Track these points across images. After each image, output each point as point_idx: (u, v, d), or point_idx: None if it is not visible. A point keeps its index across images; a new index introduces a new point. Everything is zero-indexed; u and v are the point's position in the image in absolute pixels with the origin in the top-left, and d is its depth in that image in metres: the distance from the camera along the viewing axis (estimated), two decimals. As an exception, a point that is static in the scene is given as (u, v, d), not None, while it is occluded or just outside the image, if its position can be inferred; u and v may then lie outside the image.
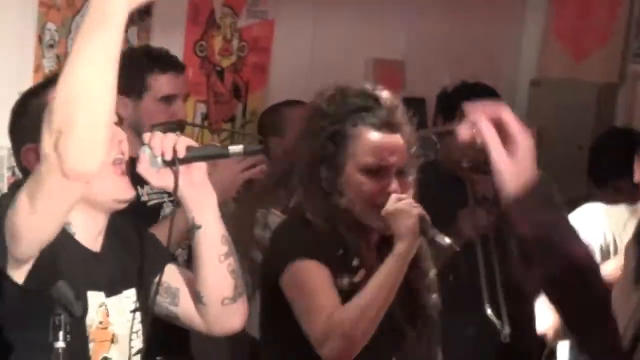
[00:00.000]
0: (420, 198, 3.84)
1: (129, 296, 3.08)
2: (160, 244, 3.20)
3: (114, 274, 3.05)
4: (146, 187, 3.93)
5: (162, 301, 3.16)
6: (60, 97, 2.47)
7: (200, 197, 2.99)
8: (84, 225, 2.98)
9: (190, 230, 3.01)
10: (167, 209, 4.41)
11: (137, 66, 4.28)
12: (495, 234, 5.03)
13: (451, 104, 5.34)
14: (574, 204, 5.09)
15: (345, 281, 3.44)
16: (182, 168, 2.90)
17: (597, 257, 4.00)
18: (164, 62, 4.33)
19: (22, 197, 2.67)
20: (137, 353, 3.09)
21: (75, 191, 2.64)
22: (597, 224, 4.22)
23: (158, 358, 4.10)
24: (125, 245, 3.11)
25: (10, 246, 2.75)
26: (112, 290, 3.02)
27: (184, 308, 3.16)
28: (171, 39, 4.81)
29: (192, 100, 4.98)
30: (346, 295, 3.41)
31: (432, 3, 6.19)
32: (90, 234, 3.00)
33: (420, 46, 6.17)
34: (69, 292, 2.74)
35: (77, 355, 2.82)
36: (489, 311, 4.57)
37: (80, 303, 2.84)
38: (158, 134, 2.95)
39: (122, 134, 2.98)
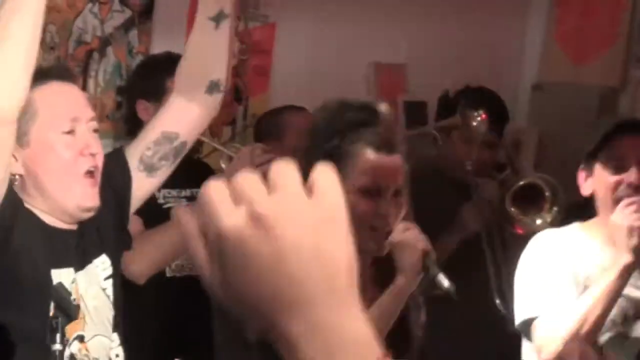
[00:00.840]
0: (423, 202, 3.98)
1: (99, 265, 3.17)
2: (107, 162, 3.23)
3: (83, 247, 3.15)
4: (163, 191, 4.00)
5: (163, 163, 3.33)
6: None
7: None
8: (54, 215, 3.08)
9: (217, 17, 3.25)
10: None
11: (157, 71, 4.42)
12: (499, 232, 5.22)
13: (453, 108, 5.33)
14: (577, 208, 4.87)
15: None
16: None
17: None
18: (164, 62, 4.37)
19: None
20: (111, 320, 3.19)
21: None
22: (560, 255, 3.98)
23: None
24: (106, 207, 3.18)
25: None
26: (81, 263, 3.11)
27: (184, 124, 3.36)
28: (172, 42, 4.78)
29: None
30: None
31: (434, 7, 6.15)
32: (56, 219, 3.10)
33: (422, 50, 6.12)
34: (67, 295, 2.95)
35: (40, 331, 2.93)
36: (497, 301, 4.60)
37: (77, 306, 3.03)
38: None
39: (98, 148, 3.10)
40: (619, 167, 3.77)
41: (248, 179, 1.32)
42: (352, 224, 3.25)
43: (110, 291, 3.21)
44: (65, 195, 3.05)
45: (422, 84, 6.07)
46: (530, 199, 5.07)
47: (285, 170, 1.32)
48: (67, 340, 3.04)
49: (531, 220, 5.03)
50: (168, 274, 4.30)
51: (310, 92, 5.10)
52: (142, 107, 4.27)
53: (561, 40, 6.72)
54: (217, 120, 5.03)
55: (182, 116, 3.35)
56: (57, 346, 2.86)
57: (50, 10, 4.53)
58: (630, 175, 3.73)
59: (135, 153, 3.33)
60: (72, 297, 3.07)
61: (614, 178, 3.76)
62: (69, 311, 3.02)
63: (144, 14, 5.03)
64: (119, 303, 3.24)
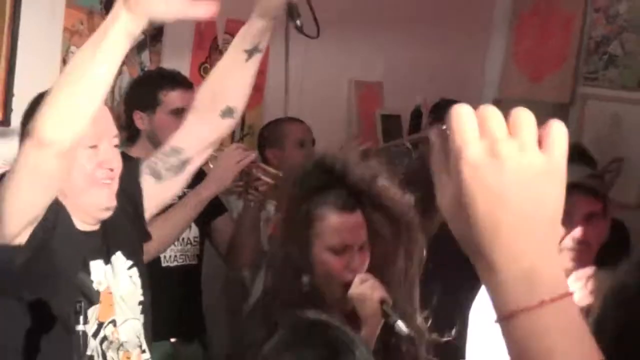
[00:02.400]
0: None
1: (119, 258, 3.23)
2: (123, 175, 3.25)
3: (105, 242, 3.21)
4: None
5: (170, 173, 3.38)
6: (52, 91, 2.74)
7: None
8: (79, 215, 3.11)
9: (251, 51, 3.28)
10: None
11: (151, 85, 4.65)
12: None
13: (422, 121, 5.72)
14: None
15: None
16: None
17: None
18: (174, 80, 4.60)
19: (5, 180, 2.86)
20: (140, 304, 3.26)
21: (49, 165, 2.76)
22: None
23: (172, 339, 4.58)
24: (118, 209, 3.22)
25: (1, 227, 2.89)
26: (107, 258, 3.18)
27: (196, 144, 3.40)
28: (180, 62, 5.00)
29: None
30: None
31: (406, 31, 6.27)
32: (84, 223, 3.14)
33: (396, 69, 6.27)
34: (89, 283, 3.03)
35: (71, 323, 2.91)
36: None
37: (97, 292, 3.09)
38: None
39: (117, 162, 3.14)
40: (567, 222, 4.06)
41: (494, 116, 1.41)
42: (326, 280, 3.34)
43: (136, 279, 3.27)
44: (85, 199, 3.11)
45: (397, 99, 6.30)
46: None
47: (525, 118, 1.38)
48: (100, 324, 3.12)
49: None
50: (163, 264, 4.44)
51: (300, 106, 5.42)
52: (137, 117, 4.46)
53: (518, 60, 6.94)
54: None
55: (192, 134, 3.37)
56: (80, 327, 2.86)
57: (74, 34, 4.78)
58: (576, 232, 3.81)
59: (149, 162, 3.38)
60: (94, 285, 3.12)
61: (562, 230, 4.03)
62: (91, 297, 3.04)
63: (155, 37, 5.11)
64: (146, 288, 3.29)
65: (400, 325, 3.21)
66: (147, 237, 3.41)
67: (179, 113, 4.29)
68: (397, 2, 6.26)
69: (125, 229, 3.27)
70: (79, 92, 2.71)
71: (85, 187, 3.07)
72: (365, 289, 3.30)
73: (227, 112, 3.33)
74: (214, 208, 4.81)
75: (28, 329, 2.98)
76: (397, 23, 6.22)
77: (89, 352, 3.06)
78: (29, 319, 2.98)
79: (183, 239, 4.81)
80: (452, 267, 4.98)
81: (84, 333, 2.92)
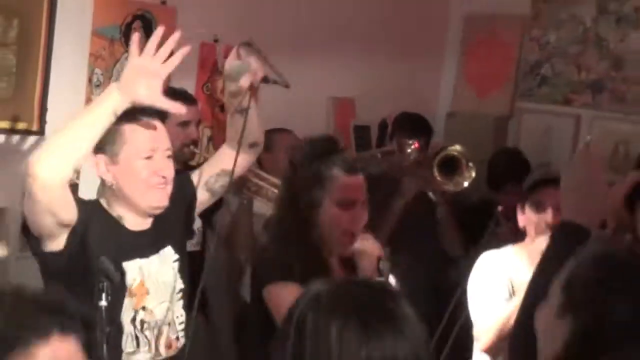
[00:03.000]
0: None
1: (167, 252, 3.25)
2: (177, 182, 3.29)
3: (155, 238, 3.23)
4: None
5: (216, 186, 3.48)
6: (50, 138, 2.95)
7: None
8: (132, 217, 3.16)
9: (241, 110, 3.28)
10: None
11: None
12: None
13: (395, 130, 5.62)
14: (479, 202, 5.56)
15: None
16: None
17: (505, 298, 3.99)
18: (181, 96, 4.33)
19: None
20: (179, 291, 3.28)
21: (41, 196, 2.81)
22: (498, 270, 4.05)
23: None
24: (168, 209, 3.24)
25: (32, 229, 2.95)
26: (150, 251, 3.19)
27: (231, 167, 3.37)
28: (186, 82, 4.88)
29: (200, 126, 5.00)
30: None
31: (375, 55, 6.21)
32: (136, 223, 3.18)
33: (366, 87, 6.20)
34: (110, 265, 2.89)
35: (114, 311, 3.00)
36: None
37: (118, 273, 2.97)
38: None
39: (169, 170, 3.18)
40: (540, 209, 3.95)
41: None
42: (335, 231, 3.33)
43: (177, 270, 3.27)
44: (142, 200, 3.13)
45: (367, 113, 6.21)
46: (453, 170, 5.14)
47: None
48: (136, 311, 3.13)
49: (455, 183, 5.16)
50: None
51: (287, 118, 5.31)
52: None
53: (467, 80, 6.90)
54: (219, 139, 5.08)
55: (227, 158, 3.38)
56: (103, 302, 2.83)
57: (97, 58, 4.73)
58: (547, 216, 3.90)
59: (202, 179, 3.43)
60: (128, 280, 3.11)
61: (536, 216, 3.97)
62: (113, 279, 2.91)
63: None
64: (185, 278, 3.30)
65: (392, 280, 3.30)
66: (192, 236, 3.58)
67: (185, 125, 4.42)
68: (367, 33, 6.19)
69: (175, 228, 3.32)
70: (64, 151, 2.80)
71: (142, 191, 3.11)
72: (367, 245, 3.36)
73: (253, 145, 3.44)
74: (215, 203, 4.49)
75: None
76: (367, 49, 6.18)
77: (123, 338, 3.09)
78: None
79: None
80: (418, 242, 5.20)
81: (105, 308, 2.86)
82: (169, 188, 3.17)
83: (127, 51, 4.68)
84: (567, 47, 6.48)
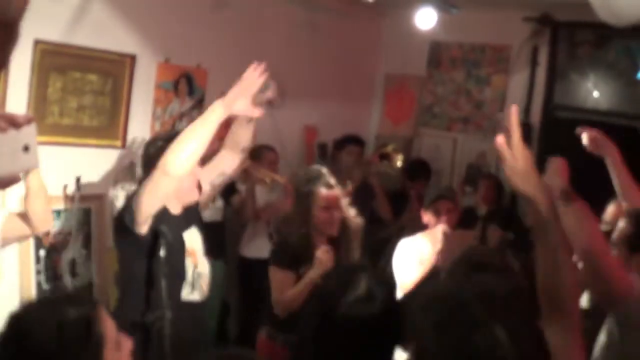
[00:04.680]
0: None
1: (193, 228, 3.14)
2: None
3: (187, 220, 3.11)
4: None
5: (215, 181, 3.28)
6: (180, 145, 2.67)
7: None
8: (173, 205, 3.03)
9: (247, 121, 3.12)
10: None
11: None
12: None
13: (337, 147, 5.70)
14: (401, 188, 5.52)
15: (302, 271, 3.35)
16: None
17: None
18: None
19: (143, 189, 2.77)
20: (204, 256, 3.17)
21: (168, 185, 2.73)
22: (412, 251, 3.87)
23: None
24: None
25: (136, 217, 2.80)
26: (187, 227, 3.10)
27: (228, 168, 3.27)
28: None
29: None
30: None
31: (330, 97, 6.10)
32: (175, 209, 3.05)
33: (323, 119, 6.10)
34: (165, 229, 2.91)
35: (178, 265, 2.96)
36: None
37: (178, 239, 2.97)
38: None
39: (205, 184, 3.10)
40: (437, 214, 3.91)
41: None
42: (319, 226, 3.38)
43: (200, 239, 3.15)
44: (186, 196, 3.04)
45: (325, 135, 6.10)
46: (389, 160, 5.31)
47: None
48: (195, 265, 3.04)
49: (391, 167, 5.31)
50: (204, 220, 3.86)
51: (274, 138, 5.19)
52: None
53: (387, 114, 6.77)
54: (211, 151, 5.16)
55: (229, 162, 3.26)
56: (162, 253, 2.88)
57: (158, 101, 4.62)
58: (442, 218, 3.86)
59: (207, 177, 3.22)
60: (186, 243, 3.02)
61: (434, 219, 3.91)
62: (167, 238, 2.92)
63: (199, 102, 4.84)
64: (204, 243, 3.16)
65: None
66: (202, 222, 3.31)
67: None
68: (324, 83, 6.06)
69: (195, 214, 3.19)
70: (190, 147, 2.66)
71: (188, 191, 3.03)
72: (324, 257, 3.22)
73: (243, 150, 3.27)
74: (231, 188, 4.71)
75: (151, 267, 2.93)
76: (324, 94, 6.07)
77: (184, 284, 3.00)
78: (150, 263, 2.93)
79: (216, 206, 4.73)
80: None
81: (164, 258, 2.89)
82: (199, 189, 3.11)
83: (176, 96, 4.74)
84: (448, 96, 6.45)
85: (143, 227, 2.86)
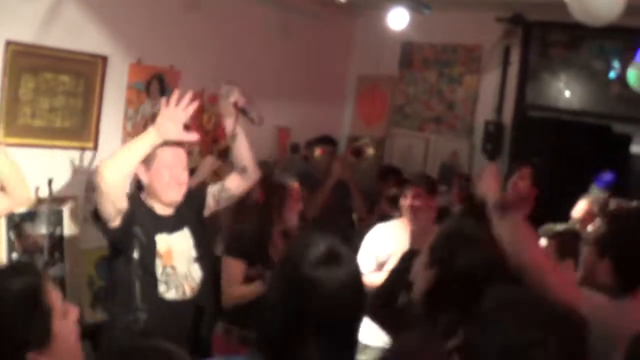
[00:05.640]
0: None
1: (185, 230, 3.14)
2: (194, 191, 3.25)
3: (177, 222, 3.12)
4: None
5: (221, 198, 3.33)
6: (116, 155, 2.83)
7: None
8: (159, 206, 3.08)
9: (233, 137, 3.25)
10: None
11: None
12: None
13: (309, 148, 5.70)
14: (374, 186, 5.52)
15: (256, 269, 3.44)
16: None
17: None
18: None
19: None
20: (194, 258, 3.14)
21: (103, 190, 2.79)
22: (385, 234, 4.05)
23: None
24: (185, 204, 3.16)
25: (100, 214, 2.88)
26: (174, 229, 3.09)
27: (232, 186, 3.33)
28: None
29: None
30: (256, 277, 3.42)
31: (303, 99, 6.13)
32: (163, 210, 3.10)
33: (296, 120, 6.14)
34: (139, 232, 2.93)
35: (149, 266, 2.97)
36: None
37: (151, 241, 2.97)
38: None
39: (185, 180, 3.09)
40: (405, 197, 4.04)
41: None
42: (289, 215, 3.58)
43: (192, 244, 3.14)
44: (164, 195, 3.06)
45: (297, 136, 6.14)
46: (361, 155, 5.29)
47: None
48: (164, 267, 3.01)
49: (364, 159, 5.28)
50: None
51: (248, 138, 5.35)
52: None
53: (360, 114, 6.83)
54: (205, 149, 4.99)
55: (234, 183, 3.32)
56: (135, 255, 2.90)
57: (130, 102, 4.62)
58: (407, 201, 4.02)
59: (214, 193, 3.31)
60: (158, 247, 3.00)
61: (403, 201, 4.07)
62: (142, 241, 2.94)
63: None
64: (198, 248, 3.15)
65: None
66: (204, 227, 3.33)
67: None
68: (298, 85, 6.10)
69: (191, 217, 3.19)
70: (124, 159, 2.81)
71: (164, 189, 3.06)
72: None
73: (244, 170, 3.32)
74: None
75: (126, 268, 2.95)
76: (297, 96, 6.12)
77: (158, 283, 3.00)
78: (122, 256, 2.97)
79: None
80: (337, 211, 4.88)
81: (138, 260, 2.92)
82: (183, 188, 3.11)
83: (148, 97, 4.73)
84: (420, 96, 6.49)
85: (113, 223, 2.92)
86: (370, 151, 5.32)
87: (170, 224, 3.11)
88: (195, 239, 3.18)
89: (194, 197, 3.26)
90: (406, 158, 6.38)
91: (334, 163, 5.10)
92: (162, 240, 3.06)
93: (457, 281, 1.98)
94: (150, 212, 3.08)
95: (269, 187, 3.63)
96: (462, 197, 5.44)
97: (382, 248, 4.02)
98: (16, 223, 4.00)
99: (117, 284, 2.99)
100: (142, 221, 3.00)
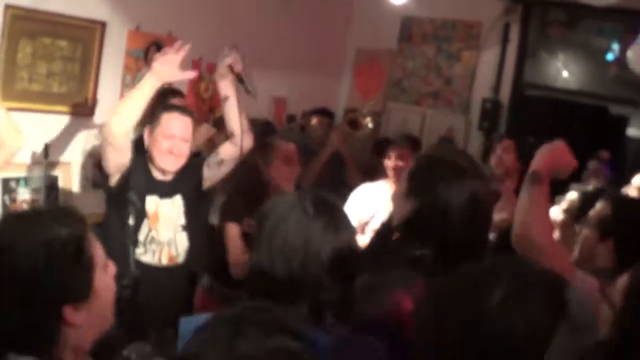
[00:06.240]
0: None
1: (177, 197, 3.19)
2: (191, 161, 3.23)
3: (170, 188, 3.18)
4: None
5: (212, 165, 3.31)
6: (119, 106, 2.92)
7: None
8: (156, 170, 3.14)
9: (224, 100, 3.25)
10: None
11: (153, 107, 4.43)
12: None
13: (306, 117, 5.60)
14: (371, 160, 5.39)
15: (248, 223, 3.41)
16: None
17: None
18: (178, 93, 4.41)
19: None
20: (181, 226, 3.19)
21: (112, 141, 2.89)
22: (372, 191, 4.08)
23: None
24: (183, 174, 3.20)
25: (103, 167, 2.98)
26: (165, 195, 3.15)
27: (223, 153, 3.33)
28: (181, 85, 4.62)
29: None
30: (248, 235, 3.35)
31: (298, 71, 6.12)
32: (160, 175, 3.16)
33: (293, 90, 6.16)
34: (135, 197, 3.01)
35: (138, 224, 3.04)
36: None
37: (141, 202, 3.03)
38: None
39: (181, 151, 3.12)
40: (389, 158, 4.10)
41: None
42: (278, 178, 3.52)
43: (182, 212, 3.18)
44: (161, 162, 3.11)
45: (294, 107, 6.13)
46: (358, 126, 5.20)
47: None
48: (150, 229, 3.06)
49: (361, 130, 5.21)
50: None
51: (244, 109, 5.40)
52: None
53: (357, 87, 6.82)
54: (201, 118, 4.96)
55: (225, 149, 3.31)
56: (130, 222, 2.99)
57: (128, 69, 4.67)
58: (391, 162, 4.08)
59: (209, 163, 3.32)
60: (146, 207, 3.07)
61: (387, 163, 4.14)
62: (136, 206, 3.02)
63: None
64: (188, 218, 3.19)
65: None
66: (203, 195, 3.37)
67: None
68: (295, 56, 6.08)
69: (187, 186, 3.22)
70: (127, 110, 2.90)
71: (159, 157, 3.11)
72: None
73: (231, 134, 3.31)
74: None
75: (118, 225, 3.02)
76: (295, 67, 6.10)
77: (139, 241, 3.06)
78: (118, 221, 3.03)
79: None
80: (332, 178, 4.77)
81: (132, 227, 2.99)
82: (180, 160, 3.14)
83: (146, 65, 4.65)
84: (417, 70, 6.51)
85: (113, 178, 3.03)
86: (368, 122, 5.28)
87: (163, 189, 3.16)
88: (187, 207, 3.21)
89: (191, 167, 3.27)
90: (402, 132, 6.24)
91: (331, 133, 5.09)
92: (152, 202, 3.11)
93: (438, 213, 1.89)
94: (147, 173, 3.14)
95: (260, 146, 3.62)
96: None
97: (366, 208, 4.01)
98: (11, 188, 4.06)
99: (112, 250, 3.03)
100: (137, 182, 3.06)
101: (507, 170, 4.12)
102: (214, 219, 4.64)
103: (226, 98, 3.25)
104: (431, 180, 1.93)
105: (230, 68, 3.19)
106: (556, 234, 2.76)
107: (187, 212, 3.21)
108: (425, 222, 1.91)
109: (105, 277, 1.57)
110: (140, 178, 3.10)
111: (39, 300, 1.43)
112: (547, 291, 1.42)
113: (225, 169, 3.37)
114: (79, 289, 1.48)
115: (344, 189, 5.10)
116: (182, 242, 3.19)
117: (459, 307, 1.44)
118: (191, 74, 3.08)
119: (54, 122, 4.27)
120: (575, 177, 3.88)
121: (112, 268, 1.62)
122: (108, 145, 2.94)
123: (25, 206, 4.09)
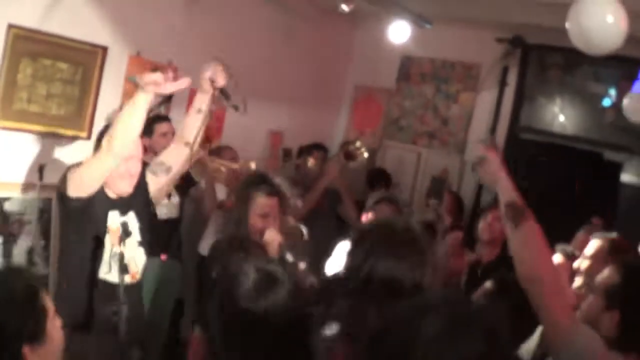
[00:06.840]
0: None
1: (131, 214, 3.11)
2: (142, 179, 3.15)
3: (124, 205, 3.08)
4: None
5: (159, 172, 3.22)
6: (116, 126, 2.79)
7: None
8: (110, 192, 3.03)
9: (195, 111, 3.07)
10: None
11: (153, 120, 4.35)
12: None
13: (301, 154, 5.58)
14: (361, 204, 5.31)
15: None
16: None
17: None
18: (165, 119, 4.49)
19: (80, 168, 2.88)
20: (138, 242, 3.14)
21: (109, 164, 2.85)
22: None
23: (162, 256, 4.33)
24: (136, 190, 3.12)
25: (68, 182, 2.86)
26: (123, 212, 3.08)
27: (172, 160, 3.20)
28: (180, 110, 4.71)
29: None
30: None
31: (297, 105, 6.17)
32: (113, 195, 3.06)
33: (290, 125, 6.19)
34: (104, 217, 2.95)
35: (101, 243, 2.98)
36: None
37: (104, 218, 2.98)
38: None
39: (137, 171, 3.08)
40: (377, 214, 4.01)
41: None
42: (253, 231, 3.32)
43: (137, 229, 3.13)
44: (114, 185, 3.03)
45: (290, 141, 6.14)
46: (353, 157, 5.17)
47: None
48: (112, 245, 2.99)
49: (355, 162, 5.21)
50: (159, 217, 3.86)
51: (241, 143, 5.24)
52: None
53: (354, 123, 6.90)
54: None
55: (172, 154, 3.21)
56: (93, 238, 2.93)
57: (126, 94, 4.57)
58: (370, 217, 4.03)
59: (150, 168, 3.24)
60: (109, 224, 3.01)
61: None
62: (103, 227, 2.96)
63: (168, 99, 4.82)
64: (143, 232, 3.16)
65: (288, 256, 3.16)
66: (152, 211, 3.29)
67: (164, 135, 4.29)
68: (294, 90, 6.13)
69: (139, 203, 3.17)
70: (125, 129, 2.79)
71: (115, 180, 3.03)
72: (271, 236, 3.25)
73: (187, 144, 3.14)
74: (189, 181, 4.58)
75: (84, 243, 2.97)
76: (292, 101, 6.15)
77: (105, 259, 3.00)
78: (84, 238, 2.98)
79: (172, 202, 4.57)
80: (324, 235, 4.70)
81: (94, 243, 2.94)
82: (134, 180, 3.10)
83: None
84: (415, 110, 6.56)
85: (73, 191, 2.91)
86: (364, 155, 5.27)
87: (119, 206, 3.10)
88: (141, 223, 3.17)
89: (141, 183, 3.23)
90: (397, 170, 6.42)
91: (327, 164, 5.09)
92: (114, 218, 3.06)
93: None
94: (104, 194, 3.07)
95: (239, 197, 3.58)
96: (452, 210, 5.44)
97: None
98: (3, 208, 4.03)
99: (70, 266, 3.04)
100: (99, 202, 3.01)
101: (493, 239, 4.00)
102: (203, 249, 4.67)
103: (198, 111, 3.10)
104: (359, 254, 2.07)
105: (211, 82, 3.03)
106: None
107: (141, 228, 3.17)
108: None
109: (55, 326, 1.90)
110: (100, 197, 3.04)
111: (3, 337, 1.76)
112: (483, 327, 1.42)
113: (173, 175, 3.29)
114: (36, 331, 1.80)
115: (339, 222, 5.17)
116: (140, 258, 3.17)
117: (391, 343, 1.44)
118: (184, 82, 2.83)
119: (51, 144, 4.27)
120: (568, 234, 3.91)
121: (59, 320, 1.94)
122: (106, 166, 2.88)
123: (15, 227, 4.05)
